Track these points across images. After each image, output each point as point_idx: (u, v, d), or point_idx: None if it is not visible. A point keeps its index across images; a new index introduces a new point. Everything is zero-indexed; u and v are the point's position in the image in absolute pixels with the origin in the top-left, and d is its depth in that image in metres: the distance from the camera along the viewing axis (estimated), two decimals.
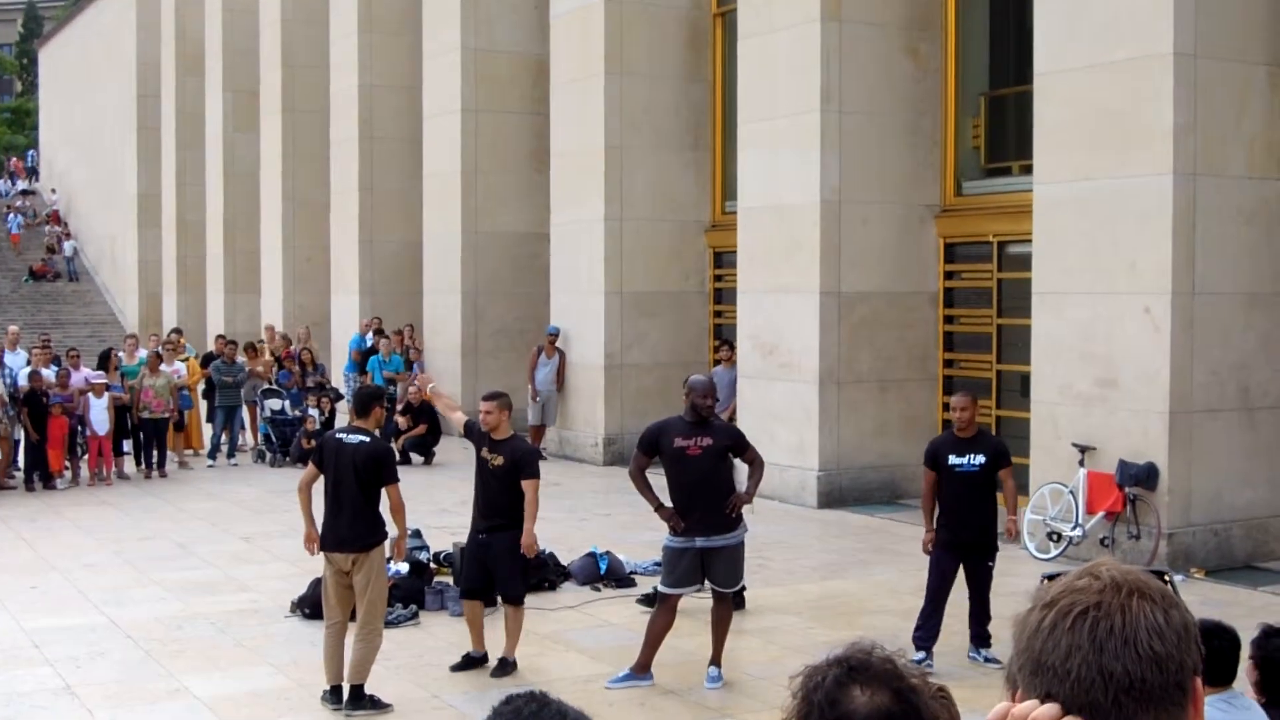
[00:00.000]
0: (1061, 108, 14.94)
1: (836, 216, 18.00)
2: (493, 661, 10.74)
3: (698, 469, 10.22)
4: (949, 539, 10.84)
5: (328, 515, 9.96)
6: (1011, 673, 3.35)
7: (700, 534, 10.24)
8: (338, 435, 10.17)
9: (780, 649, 11.25)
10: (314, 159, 33.09)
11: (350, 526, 9.84)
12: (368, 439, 9.93)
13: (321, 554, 10.09)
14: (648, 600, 12.52)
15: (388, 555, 10.44)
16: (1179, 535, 14.13)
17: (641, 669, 10.37)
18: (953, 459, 10.80)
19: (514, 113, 26.27)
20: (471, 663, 10.74)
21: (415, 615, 12.32)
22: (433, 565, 13.66)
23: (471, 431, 10.76)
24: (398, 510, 10.09)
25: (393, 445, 17.95)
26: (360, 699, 9.77)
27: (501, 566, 10.56)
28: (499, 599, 10.99)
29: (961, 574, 10.91)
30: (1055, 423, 15.06)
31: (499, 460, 10.45)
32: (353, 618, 10.01)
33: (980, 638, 10.90)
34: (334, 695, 9.87)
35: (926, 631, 10.80)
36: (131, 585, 14.07)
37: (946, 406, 18.63)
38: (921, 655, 10.41)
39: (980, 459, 10.82)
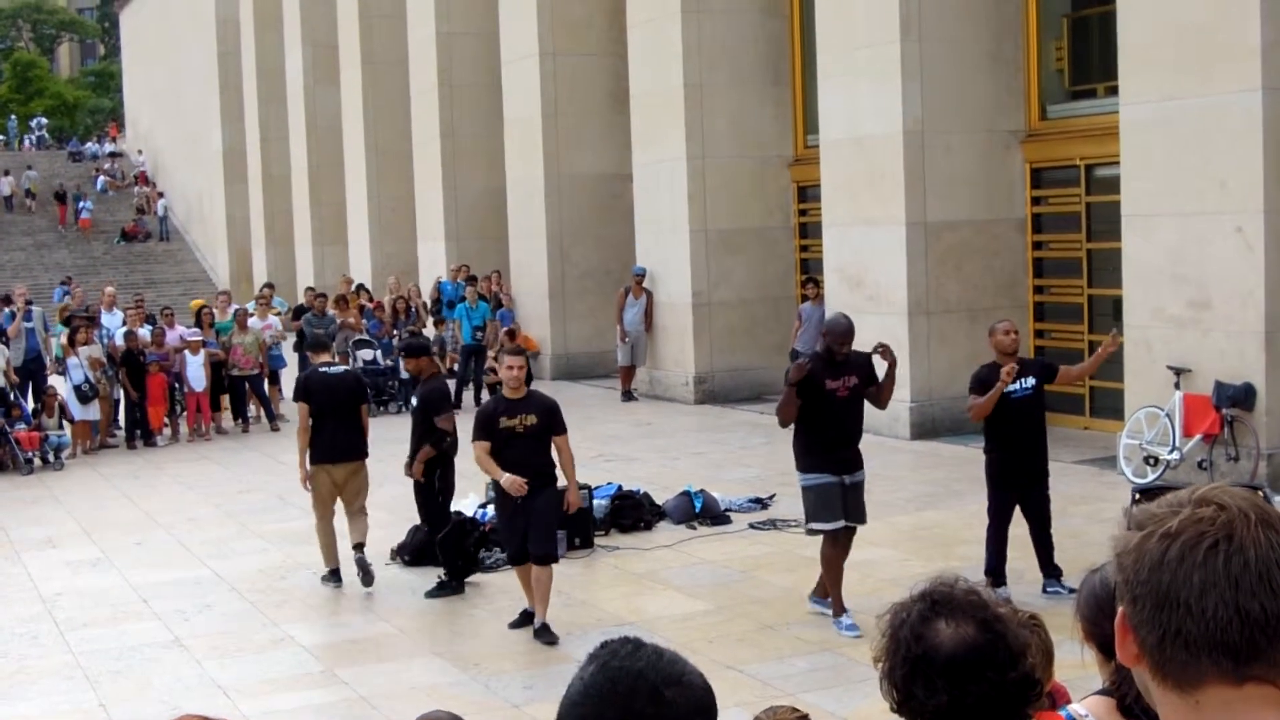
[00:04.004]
0: (1146, 27, 14.67)
1: (920, 146, 17.84)
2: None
3: (846, 408, 10.36)
4: (1007, 470, 10.73)
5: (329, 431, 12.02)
6: (1080, 603, 3.32)
7: (846, 472, 10.34)
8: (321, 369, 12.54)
9: (878, 581, 11.26)
10: (395, 109, 33.24)
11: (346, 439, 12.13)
12: (343, 370, 12.65)
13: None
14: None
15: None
16: (1279, 456, 13.96)
17: (838, 611, 10.27)
18: (1009, 386, 10.61)
19: (592, 54, 26.21)
20: (529, 619, 10.56)
21: None
22: None
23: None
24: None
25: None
26: (362, 550, 11.87)
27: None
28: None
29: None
30: (1149, 346, 14.89)
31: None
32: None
33: (1053, 571, 10.77)
34: (334, 576, 12.02)
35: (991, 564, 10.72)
36: (234, 538, 14.33)
37: (1039, 334, 18.58)
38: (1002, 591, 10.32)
39: (1031, 382, 10.72)
